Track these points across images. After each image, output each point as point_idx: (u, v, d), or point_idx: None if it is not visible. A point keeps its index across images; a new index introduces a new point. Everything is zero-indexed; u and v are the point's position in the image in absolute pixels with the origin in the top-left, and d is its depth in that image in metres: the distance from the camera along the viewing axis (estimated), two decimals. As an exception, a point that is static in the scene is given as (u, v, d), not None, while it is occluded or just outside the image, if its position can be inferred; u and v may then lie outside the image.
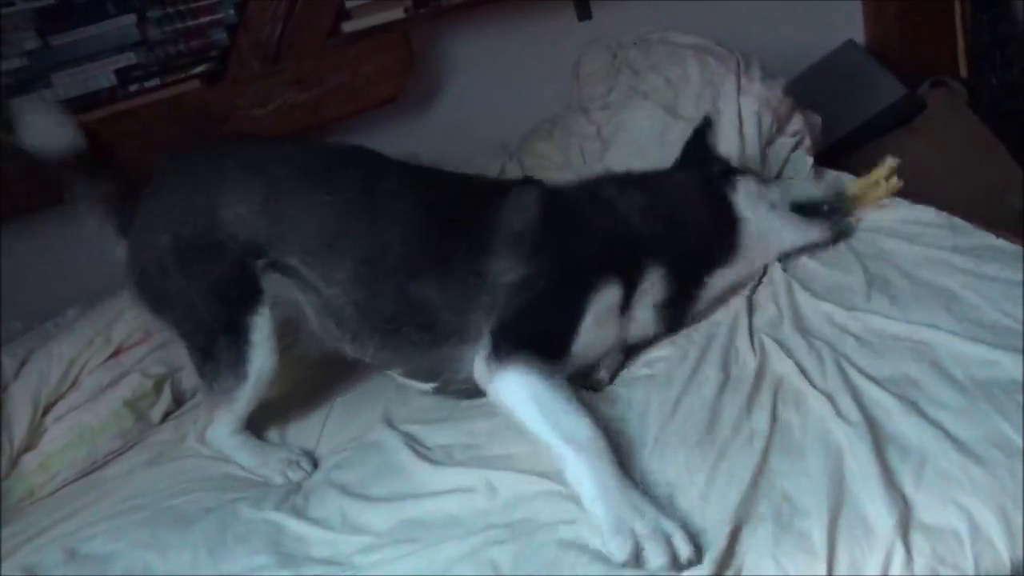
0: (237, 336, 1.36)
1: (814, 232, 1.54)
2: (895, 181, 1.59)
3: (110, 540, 1.30)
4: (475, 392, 1.31)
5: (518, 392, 1.20)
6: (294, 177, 1.41)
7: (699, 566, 0.97)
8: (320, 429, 1.49)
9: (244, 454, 1.43)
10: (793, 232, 1.53)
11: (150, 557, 1.24)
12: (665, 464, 1.14)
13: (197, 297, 1.37)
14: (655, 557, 0.97)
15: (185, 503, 1.35)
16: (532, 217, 1.38)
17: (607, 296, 1.32)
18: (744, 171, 1.60)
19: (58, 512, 1.43)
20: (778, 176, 1.87)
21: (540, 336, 1.27)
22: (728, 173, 1.55)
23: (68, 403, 1.58)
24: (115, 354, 1.64)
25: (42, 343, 1.64)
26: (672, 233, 1.41)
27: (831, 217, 1.56)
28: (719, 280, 1.46)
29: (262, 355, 1.37)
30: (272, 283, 1.38)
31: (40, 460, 1.52)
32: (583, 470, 1.09)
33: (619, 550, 0.99)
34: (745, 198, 1.48)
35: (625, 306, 1.36)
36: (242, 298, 1.35)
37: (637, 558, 0.98)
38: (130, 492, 1.43)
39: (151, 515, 1.34)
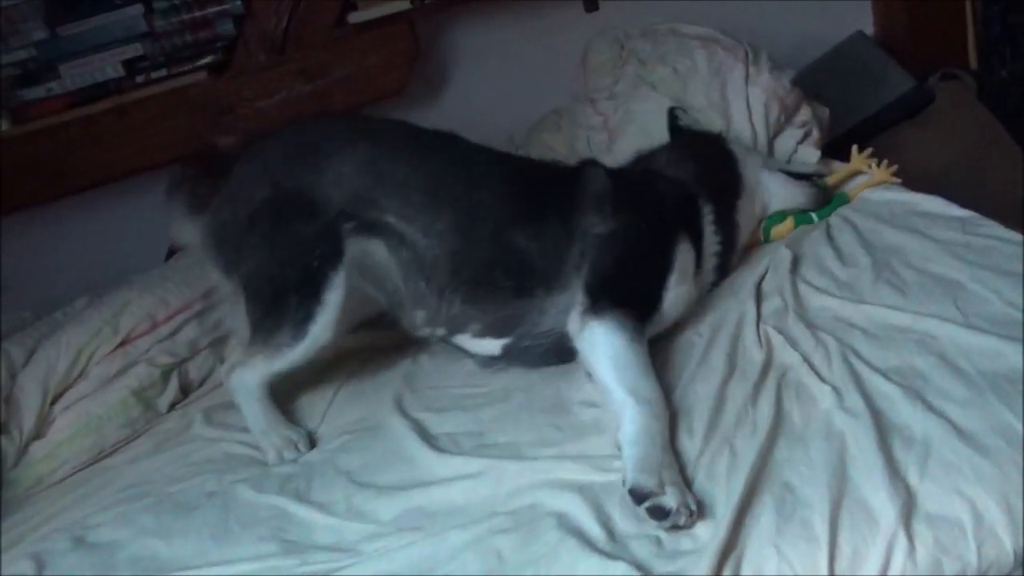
0: (309, 294, 1.38)
1: (797, 190, 1.66)
2: (884, 167, 1.67)
3: (116, 528, 1.31)
4: (544, 355, 1.41)
5: (602, 346, 1.29)
6: (396, 143, 1.53)
7: (699, 555, 0.97)
8: (324, 410, 1.50)
9: (254, 410, 1.43)
10: (781, 186, 1.65)
11: (156, 544, 1.24)
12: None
13: (282, 251, 1.41)
14: (671, 496, 1.03)
15: (187, 488, 1.36)
16: (606, 183, 1.50)
17: (686, 252, 1.44)
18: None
19: (65, 500, 1.45)
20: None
21: (633, 292, 1.37)
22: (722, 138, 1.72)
23: (76, 392, 1.59)
24: (122, 344, 1.65)
25: (51, 332, 1.65)
26: (709, 179, 1.56)
27: (815, 186, 1.68)
28: (740, 217, 1.58)
29: (327, 317, 1.39)
30: (357, 248, 1.41)
31: (48, 449, 1.53)
32: (636, 418, 1.16)
33: (645, 481, 1.05)
34: (740, 151, 1.66)
35: (698, 261, 1.47)
36: (325, 257, 1.38)
37: (654, 495, 1.04)
38: (135, 479, 1.44)
39: (155, 502, 1.35)
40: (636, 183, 1.55)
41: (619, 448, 1.15)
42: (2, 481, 1.50)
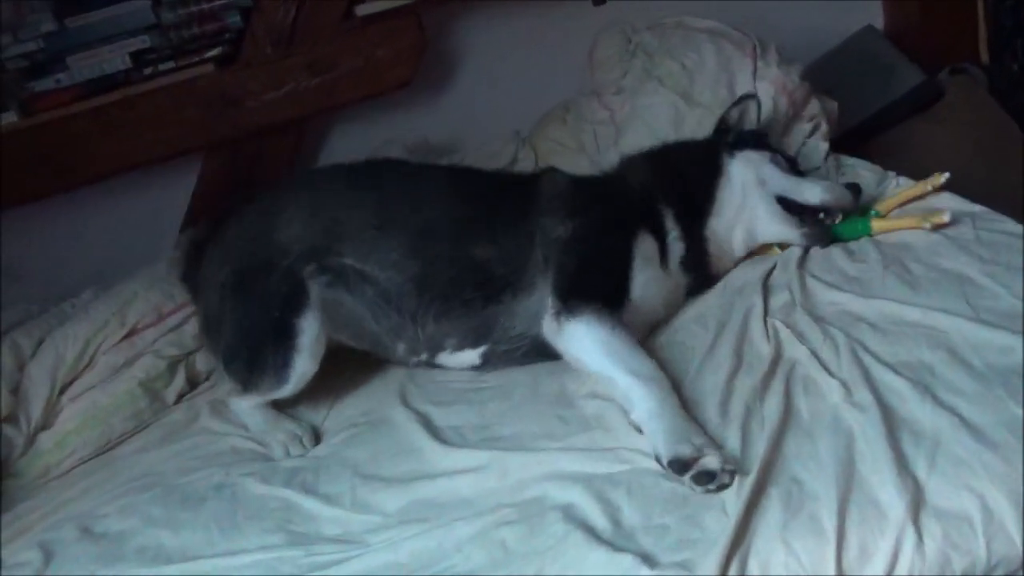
0: (283, 341, 1.42)
1: (785, 228, 1.53)
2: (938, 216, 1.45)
3: (124, 518, 1.32)
4: (524, 356, 1.43)
5: (586, 341, 1.32)
6: (338, 186, 1.57)
7: (706, 548, 0.96)
8: (329, 404, 1.51)
9: (256, 419, 1.47)
10: (766, 219, 1.53)
11: (163, 535, 1.25)
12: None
13: (250, 309, 1.46)
14: (711, 458, 1.06)
15: (195, 480, 1.37)
16: (564, 188, 1.54)
17: (646, 242, 1.45)
18: (768, 148, 1.63)
19: (73, 490, 1.45)
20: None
21: (600, 286, 1.39)
22: (742, 143, 1.61)
23: (84, 383, 1.59)
24: (129, 335, 1.66)
25: (58, 323, 1.66)
26: (670, 188, 1.54)
27: (816, 225, 1.54)
28: (712, 229, 1.53)
29: (305, 359, 1.43)
30: (325, 295, 1.45)
31: (56, 439, 1.54)
32: (646, 395, 1.19)
33: (682, 450, 1.07)
34: (740, 163, 1.57)
35: (663, 256, 1.47)
36: (290, 303, 1.43)
37: (695, 460, 1.06)
38: (142, 470, 1.45)
39: (162, 493, 1.35)
40: (593, 186, 1.57)
41: (638, 429, 1.17)
42: (7, 470, 1.50)
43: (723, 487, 1.04)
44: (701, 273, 1.52)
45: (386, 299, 1.45)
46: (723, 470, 1.05)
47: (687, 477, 1.06)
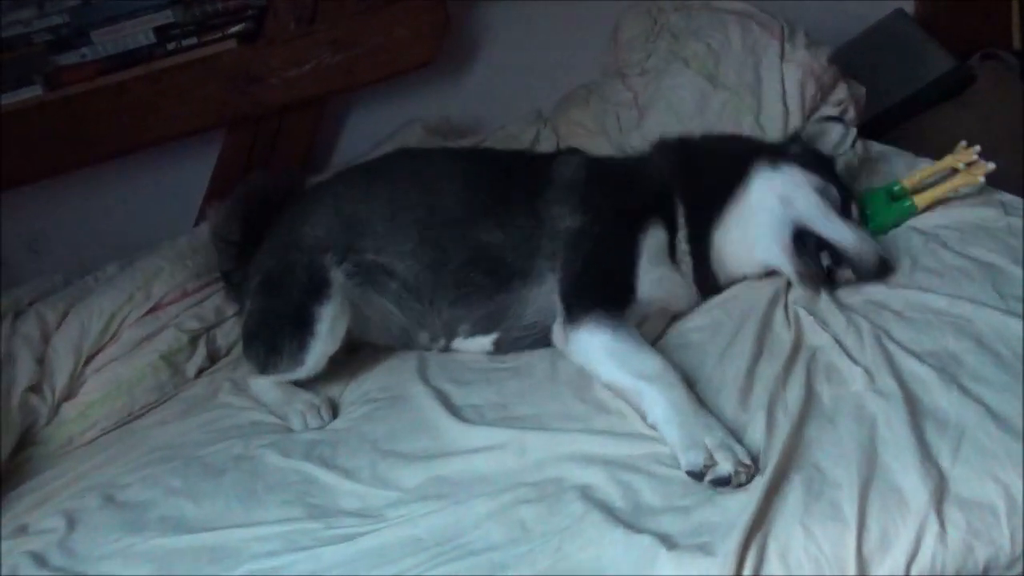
0: (302, 327, 1.44)
1: (780, 254, 1.37)
2: (981, 166, 1.40)
3: (145, 488, 1.33)
4: (535, 343, 1.44)
5: (591, 349, 1.31)
6: (355, 184, 1.60)
7: (726, 531, 0.96)
8: (347, 380, 1.52)
9: (273, 394, 1.48)
10: (765, 238, 1.39)
11: (184, 504, 1.26)
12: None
13: (274, 295, 1.50)
14: (724, 463, 1.04)
15: (215, 452, 1.38)
16: (579, 173, 1.51)
17: (655, 236, 1.42)
18: (827, 175, 1.44)
19: (96, 460, 1.47)
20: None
21: (605, 287, 1.38)
22: (799, 158, 1.45)
23: (107, 355, 1.61)
24: (153, 309, 1.67)
25: (83, 296, 1.67)
26: (694, 176, 1.49)
27: (817, 269, 1.35)
28: (719, 235, 1.44)
29: (321, 346, 1.44)
30: (347, 286, 1.48)
31: (80, 409, 1.56)
32: (656, 397, 1.17)
33: (695, 460, 1.05)
34: (767, 177, 1.41)
35: (672, 251, 1.44)
36: (310, 291, 1.45)
37: (708, 468, 1.04)
38: (164, 442, 1.46)
39: (184, 464, 1.37)
40: (609, 172, 1.53)
41: (656, 430, 1.15)
42: (32, 438, 1.52)
43: (741, 485, 1.03)
44: (707, 281, 1.45)
45: (407, 288, 1.48)
46: (737, 472, 1.03)
47: (705, 483, 1.04)
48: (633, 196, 1.46)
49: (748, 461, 1.04)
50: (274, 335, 1.47)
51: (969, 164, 1.45)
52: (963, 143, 1.48)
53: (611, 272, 1.39)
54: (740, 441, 1.09)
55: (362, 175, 1.63)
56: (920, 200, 1.48)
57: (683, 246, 1.44)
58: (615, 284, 1.38)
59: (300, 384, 1.50)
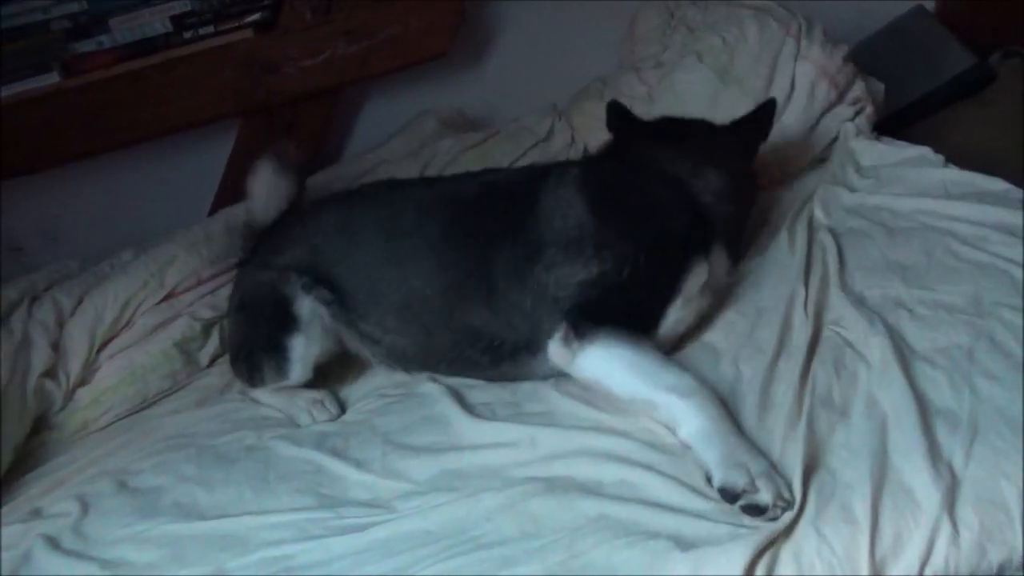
0: (276, 352, 1.44)
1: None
2: None
3: (158, 474, 1.34)
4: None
5: (606, 364, 1.18)
6: (330, 235, 1.48)
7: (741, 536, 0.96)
8: (355, 375, 1.51)
9: (275, 399, 1.48)
10: None
11: (196, 492, 1.27)
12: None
13: (245, 325, 1.50)
14: (765, 493, 0.98)
15: (228, 441, 1.39)
16: (581, 213, 1.29)
17: (698, 275, 1.28)
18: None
19: (109, 445, 1.48)
20: (832, 143, 1.81)
21: (625, 313, 1.23)
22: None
23: (121, 342, 1.61)
24: (167, 297, 1.67)
25: (98, 283, 1.68)
26: (734, 192, 1.43)
27: None
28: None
29: (300, 369, 1.45)
30: (324, 317, 1.44)
31: (94, 395, 1.57)
32: (694, 412, 1.09)
33: (735, 480, 0.99)
34: None
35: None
36: (279, 322, 1.43)
37: (746, 493, 0.99)
38: (177, 430, 1.47)
39: (196, 452, 1.38)
40: (623, 199, 1.31)
41: (688, 447, 1.09)
42: (46, 423, 1.54)
43: (773, 520, 0.97)
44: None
45: (390, 353, 1.44)
46: (775, 505, 0.97)
47: (736, 506, 1.00)
48: (665, 226, 1.28)
49: (788, 496, 0.99)
50: (252, 357, 1.47)
51: None
52: None
53: (636, 305, 1.23)
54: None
55: (340, 223, 1.48)
56: None
57: (719, 255, 1.34)
58: (637, 315, 1.23)
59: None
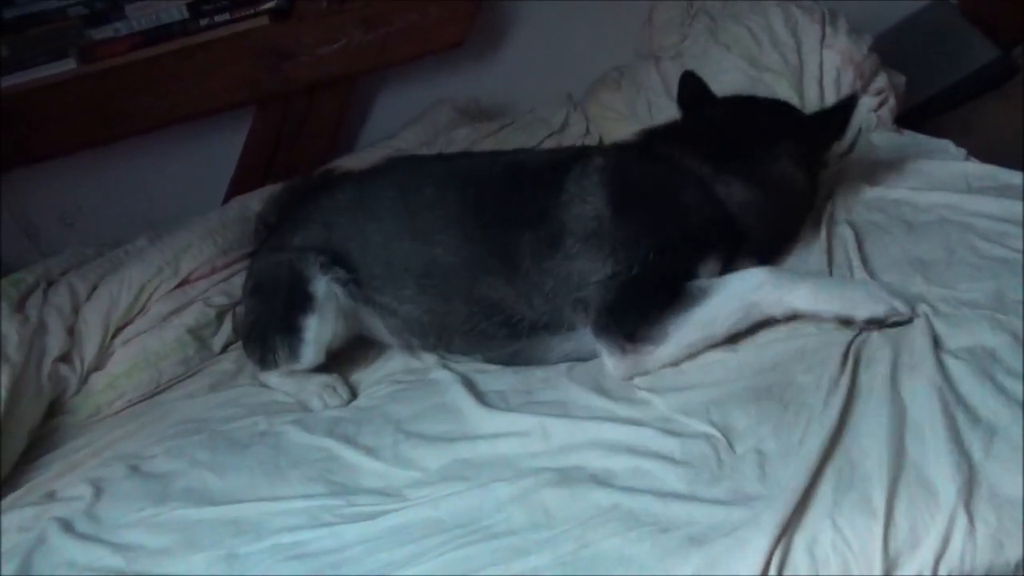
0: (290, 333, 1.44)
1: None
2: None
3: (171, 459, 1.35)
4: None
5: (675, 348, 1.22)
6: (345, 211, 1.49)
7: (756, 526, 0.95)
8: (367, 361, 1.52)
9: (287, 384, 1.49)
10: None
11: (208, 477, 1.28)
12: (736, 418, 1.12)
13: (259, 305, 1.51)
14: (902, 307, 1.16)
15: (240, 427, 1.40)
16: (601, 206, 1.30)
17: (710, 267, 1.30)
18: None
19: (122, 430, 1.49)
20: (857, 136, 1.79)
21: (656, 303, 1.23)
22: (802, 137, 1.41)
23: (136, 327, 1.63)
24: (182, 284, 1.68)
25: (113, 269, 1.69)
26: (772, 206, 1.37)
27: None
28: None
29: (312, 350, 1.45)
30: (340, 296, 1.45)
31: (108, 380, 1.58)
32: (781, 282, 1.20)
33: (877, 309, 1.15)
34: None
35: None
36: (294, 302, 1.43)
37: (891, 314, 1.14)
38: (189, 415, 1.48)
39: (209, 437, 1.38)
40: (642, 195, 1.30)
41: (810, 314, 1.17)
42: (61, 407, 1.54)
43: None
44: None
45: (409, 326, 1.44)
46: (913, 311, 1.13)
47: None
48: (680, 225, 1.27)
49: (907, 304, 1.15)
50: (266, 338, 1.47)
51: None
52: None
53: (657, 304, 1.23)
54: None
55: (356, 200, 1.50)
56: None
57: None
58: (670, 292, 1.23)
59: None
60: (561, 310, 1.30)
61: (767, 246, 1.38)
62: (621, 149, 1.44)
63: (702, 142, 1.38)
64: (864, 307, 1.14)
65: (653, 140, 1.43)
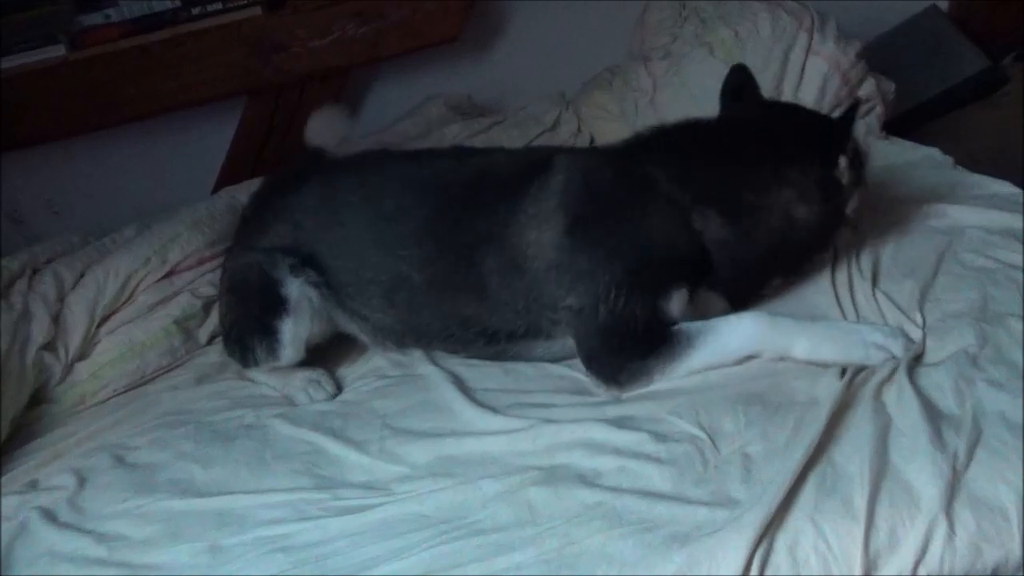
0: (266, 335, 1.43)
1: None
2: None
3: (156, 450, 1.34)
4: None
5: (662, 382, 1.21)
6: (311, 214, 1.46)
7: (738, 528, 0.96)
8: (357, 353, 1.51)
9: (272, 379, 1.48)
10: None
11: (194, 469, 1.27)
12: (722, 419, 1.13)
13: (237, 309, 1.49)
14: (896, 349, 1.16)
15: (226, 419, 1.39)
16: (559, 236, 1.24)
17: (676, 303, 1.23)
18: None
19: (106, 420, 1.48)
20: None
21: (637, 347, 1.21)
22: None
23: (122, 317, 1.61)
24: (169, 274, 1.67)
25: (100, 257, 1.67)
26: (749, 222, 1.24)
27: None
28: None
29: (290, 350, 1.43)
30: (313, 297, 1.43)
31: (92, 369, 1.56)
32: (778, 334, 1.18)
33: (871, 357, 1.15)
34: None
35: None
36: (267, 305, 1.42)
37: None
38: (175, 407, 1.47)
39: (194, 429, 1.38)
40: (606, 226, 1.22)
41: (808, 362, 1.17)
42: (44, 396, 1.53)
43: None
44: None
45: (382, 331, 1.43)
46: (907, 349, 1.15)
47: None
48: (644, 262, 1.20)
49: (907, 339, 1.16)
50: (244, 339, 1.46)
51: None
52: None
53: (635, 340, 1.20)
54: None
55: (321, 203, 1.45)
56: None
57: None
58: (650, 333, 1.20)
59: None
60: (539, 323, 1.30)
61: (740, 291, 1.27)
62: (595, 160, 1.35)
63: (689, 161, 1.26)
64: (861, 355, 1.15)
65: (636, 152, 1.31)
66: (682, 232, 1.22)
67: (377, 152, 1.59)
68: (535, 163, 1.34)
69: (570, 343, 1.30)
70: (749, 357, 1.20)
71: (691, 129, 1.32)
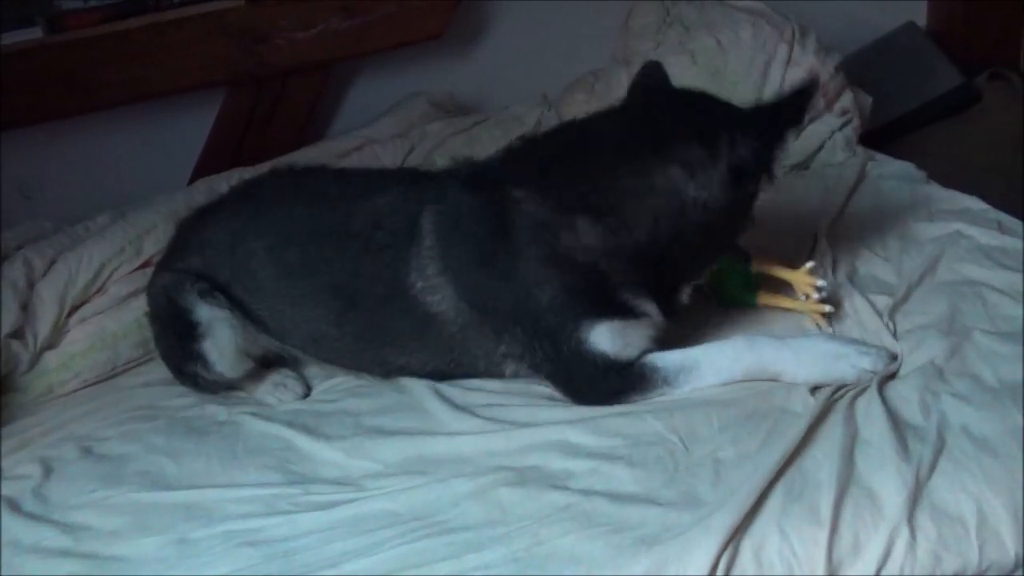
0: (194, 359, 1.39)
1: None
2: (819, 305, 1.28)
3: (125, 443, 1.33)
4: None
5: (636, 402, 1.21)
6: (221, 253, 1.41)
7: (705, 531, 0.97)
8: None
9: (241, 381, 1.45)
10: None
11: (163, 462, 1.26)
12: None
13: (162, 333, 1.46)
14: (873, 364, 1.18)
15: (198, 415, 1.38)
16: (454, 301, 1.22)
17: (607, 334, 1.17)
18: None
19: (75, 411, 1.47)
20: (817, 152, 1.83)
21: (615, 397, 1.20)
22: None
23: (93, 307, 1.59)
24: (143, 266, 1.65)
25: (72, 245, 1.65)
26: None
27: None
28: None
29: (226, 368, 1.40)
30: (230, 318, 1.39)
31: (62, 359, 1.54)
32: (762, 355, 1.18)
33: (846, 374, 1.16)
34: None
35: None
36: (183, 331, 1.38)
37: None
38: (146, 401, 1.46)
39: (166, 423, 1.37)
40: (490, 281, 1.17)
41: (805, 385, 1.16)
42: (10, 384, 1.51)
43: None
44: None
45: (322, 365, 1.42)
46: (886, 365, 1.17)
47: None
48: (536, 305, 1.14)
49: (886, 354, 1.18)
50: (178, 365, 1.43)
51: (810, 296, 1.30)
52: (808, 264, 1.31)
53: (592, 374, 1.18)
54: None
55: (228, 244, 1.40)
56: (764, 299, 1.35)
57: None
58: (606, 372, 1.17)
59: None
60: (480, 365, 1.28)
61: (662, 286, 1.19)
62: (461, 195, 1.23)
63: (550, 168, 1.17)
64: (851, 377, 1.16)
65: (502, 172, 1.22)
66: (555, 258, 1.13)
67: (283, 178, 1.50)
68: (411, 209, 1.27)
69: (524, 366, 1.26)
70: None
71: (559, 132, 1.24)
